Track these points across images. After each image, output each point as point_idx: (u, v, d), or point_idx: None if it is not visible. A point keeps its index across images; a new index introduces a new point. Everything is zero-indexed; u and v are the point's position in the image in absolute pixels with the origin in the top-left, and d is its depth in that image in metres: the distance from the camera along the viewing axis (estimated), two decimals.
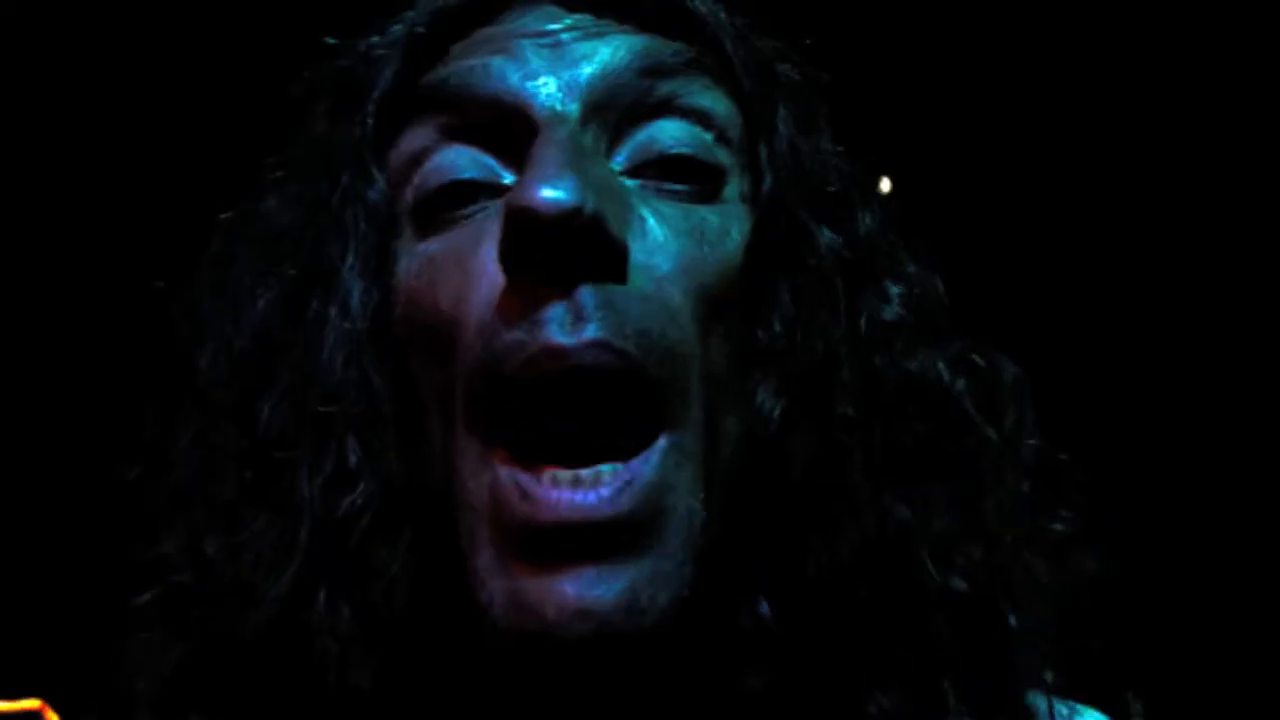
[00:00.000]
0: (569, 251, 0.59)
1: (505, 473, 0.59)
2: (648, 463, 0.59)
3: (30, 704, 0.64)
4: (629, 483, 0.58)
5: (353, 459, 0.64)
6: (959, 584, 0.64)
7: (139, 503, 0.68)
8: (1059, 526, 0.71)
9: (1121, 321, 1.04)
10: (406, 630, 0.63)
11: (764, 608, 0.62)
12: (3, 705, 0.64)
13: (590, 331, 0.59)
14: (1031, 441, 0.71)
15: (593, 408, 0.59)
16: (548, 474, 0.58)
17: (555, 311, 0.59)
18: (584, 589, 0.57)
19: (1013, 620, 0.65)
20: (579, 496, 0.58)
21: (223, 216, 0.73)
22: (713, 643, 0.63)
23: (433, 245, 0.65)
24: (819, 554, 0.62)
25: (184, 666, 0.64)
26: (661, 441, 0.59)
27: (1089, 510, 0.71)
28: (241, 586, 0.63)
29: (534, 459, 0.59)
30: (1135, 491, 0.97)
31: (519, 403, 0.60)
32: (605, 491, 0.58)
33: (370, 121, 0.68)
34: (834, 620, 0.62)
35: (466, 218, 0.65)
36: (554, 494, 0.58)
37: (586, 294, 0.59)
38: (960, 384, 0.68)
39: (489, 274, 0.62)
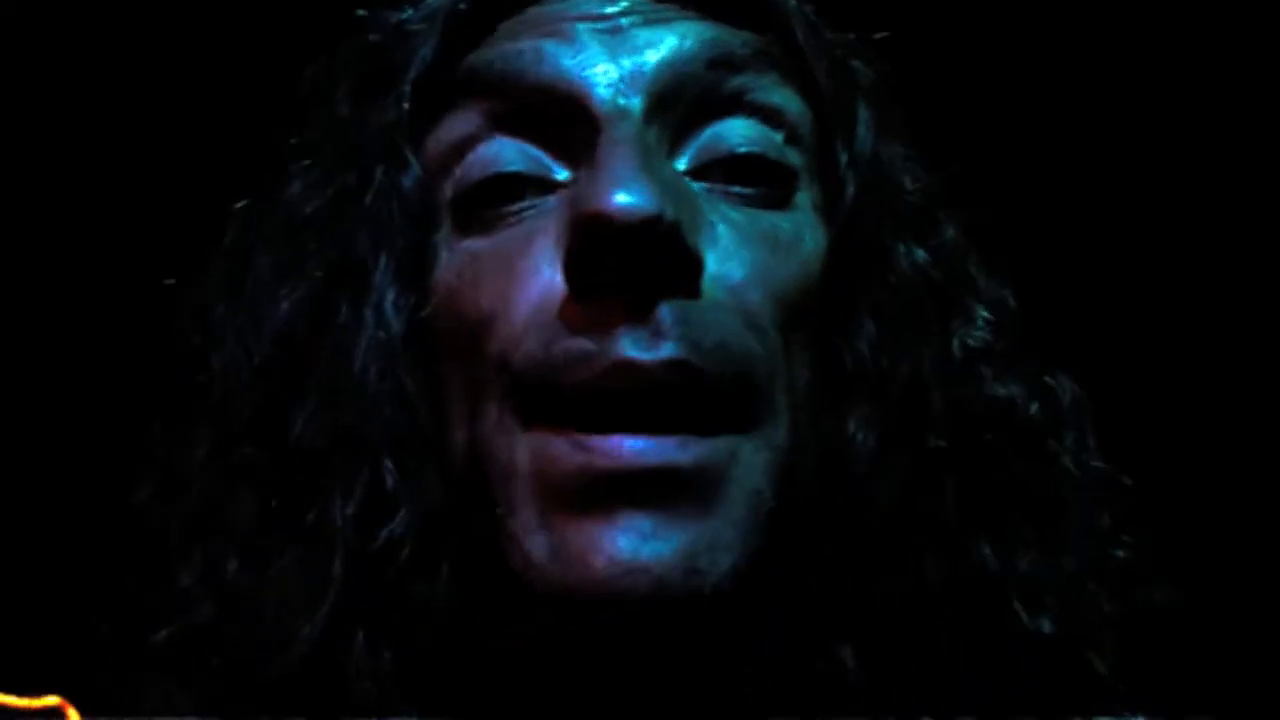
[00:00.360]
0: (643, 262, 0.54)
1: (554, 436, 0.54)
2: (721, 436, 0.55)
3: (50, 701, 0.59)
4: (697, 441, 0.54)
5: (390, 482, 0.58)
6: (1046, 626, 0.60)
7: (150, 526, 0.62)
8: (1122, 554, 0.68)
9: (1175, 320, 1.01)
10: (451, 666, 0.58)
11: (848, 654, 0.58)
12: (23, 702, 0.59)
13: (668, 350, 0.54)
14: (1097, 465, 0.68)
15: (665, 418, 0.54)
16: (609, 432, 0.53)
17: (628, 326, 0.54)
18: (639, 542, 0.52)
19: (1095, 659, 0.62)
20: (641, 443, 0.53)
21: (238, 205, 0.66)
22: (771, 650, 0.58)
23: (477, 243, 0.60)
24: (902, 594, 0.59)
25: (204, 710, 0.59)
26: (739, 433, 0.55)
27: (1153, 536, 0.68)
28: (267, 625, 0.57)
29: (590, 428, 0.54)
30: (1202, 512, 0.95)
31: (578, 410, 0.54)
32: (671, 442, 0.53)
33: (406, 105, 0.63)
34: (916, 664, 0.58)
35: (515, 214, 0.60)
36: (615, 441, 0.53)
37: (663, 310, 0.54)
38: (1036, 410, 0.65)
39: (543, 276, 0.57)
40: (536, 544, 0.54)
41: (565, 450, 0.54)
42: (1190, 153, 1.03)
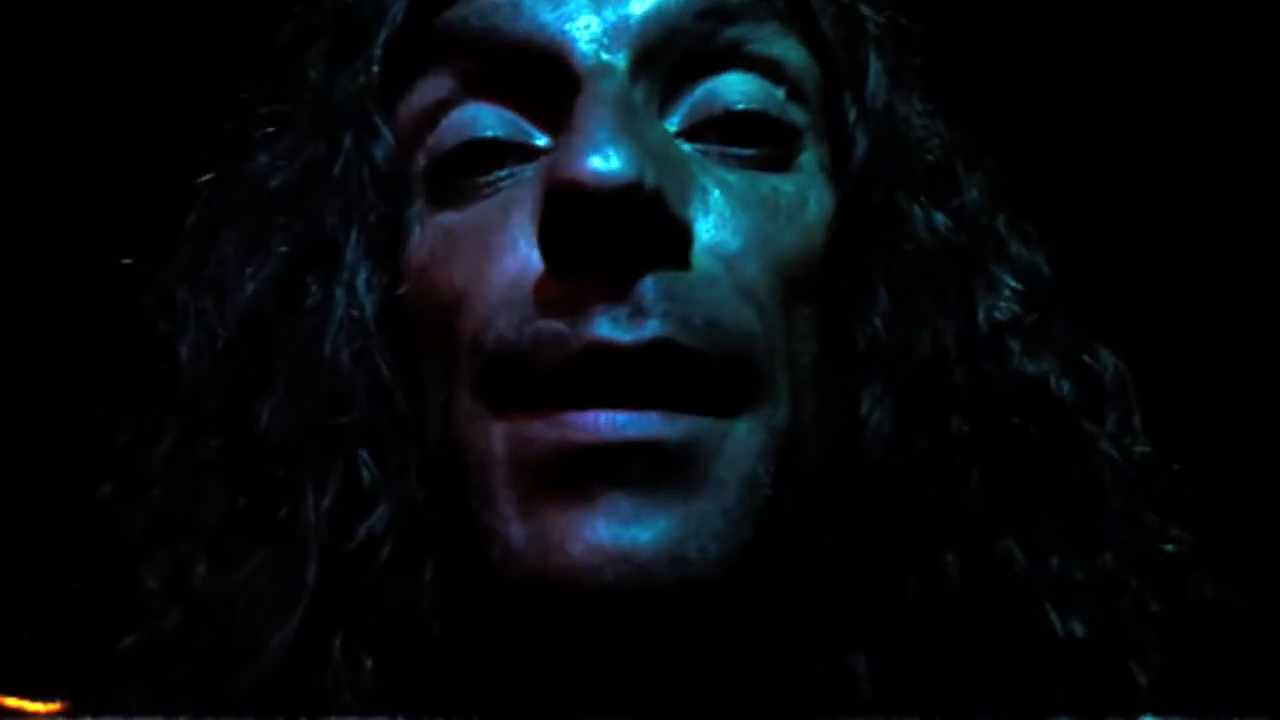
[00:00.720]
0: (623, 233, 0.50)
1: (530, 418, 0.50)
2: (711, 415, 0.50)
3: (51, 706, 0.57)
4: (686, 416, 0.49)
5: (366, 476, 0.54)
6: (1078, 629, 0.55)
7: (115, 525, 0.58)
8: (1172, 548, 0.62)
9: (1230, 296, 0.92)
10: (436, 671, 0.54)
11: (857, 660, 0.53)
12: (32, 705, 0.57)
13: (652, 328, 0.49)
14: (1141, 449, 0.62)
15: (649, 401, 0.50)
16: (588, 409, 0.49)
17: (605, 304, 0.49)
18: (620, 527, 0.48)
19: (1136, 667, 0.57)
20: (622, 417, 0.49)
21: (203, 180, 0.63)
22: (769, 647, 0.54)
23: (451, 217, 0.56)
24: (917, 594, 0.54)
25: None
26: (734, 416, 0.51)
27: (1206, 527, 0.62)
28: (237, 631, 0.53)
29: (566, 406, 0.50)
30: (1261, 500, 0.88)
31: (552, 393, 0.50)
32: (655, 416, 0.49)
33: (376, 68, 0.58)
34: (930, 672, 0.54)
35: (491, 185, 0.55)
36: (592, 415, 0.49)
37: (646, 284, 0.50)
38: (1071, 389, 0.60)
39: (519, 251, 0.53)
40: (514, 532, 0.50)
41: (540, 429, 0.50)
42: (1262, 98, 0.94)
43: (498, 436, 0.51)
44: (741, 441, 0.50)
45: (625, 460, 0.48)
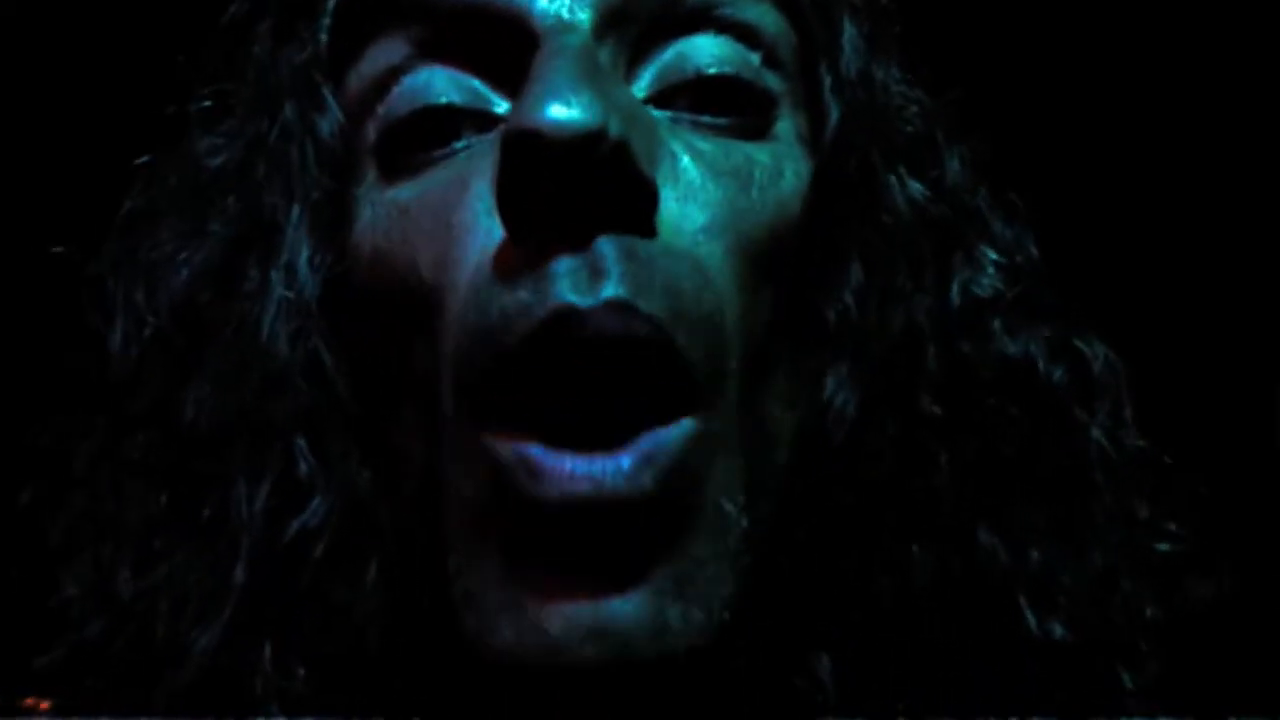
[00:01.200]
0: (586, 186, 0.46)
1: (510, 449, 0.46)
2: (672, 441, 0.46)
3: None
4: (650, 458, 0.45)
5: (303, 466, 0.51)
6: (1057, 631, 0.52)
7: (37, 530, 0.55)
8: (1166, 547, 0.59)
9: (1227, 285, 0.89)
10: (376, 682, 0.50)
11: (825, 666, 0.50)
12: None
13: (609, 289, 0.46)
14: (1134, 443, 0.59)
15: (609, 384, 0.47)
16: (562, 451, 0.46)
17: (565, 265, 0.46)
18: (598, 598, 0.45)
19: (1124, 673, 0.54)
20: (591, 464, 0.45)
21: (139, 162, 0.59)
22: (753, 686, 0.51)
23: (405, 192, 0.52)
24: (889, 592, 0.51)
25: None
26: (687, 423, 0.47)
27: (1201, 525, 0.59)
28: (160, 636, 0.50)
29: (546, 438, 0.46)
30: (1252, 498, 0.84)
31: (522, 381, 0.47)
32: (624, 461, 0.45)
33: (324, 36, 0.55)
34: (902, 678, 0.51)
35: (448, 157, 0.52)
36: (565, 462, 0.45)
37: (605, 243, 0.46)
38: (1059, 375, 0.57)
39: (482, 227, 0.49)
40: (492, 604, 0.46)
41: (521, 475, 0.46)
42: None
43: (481, 475, 0.47)
44: (705, 478, 0.47)
45: (599, 523, 0.45)
